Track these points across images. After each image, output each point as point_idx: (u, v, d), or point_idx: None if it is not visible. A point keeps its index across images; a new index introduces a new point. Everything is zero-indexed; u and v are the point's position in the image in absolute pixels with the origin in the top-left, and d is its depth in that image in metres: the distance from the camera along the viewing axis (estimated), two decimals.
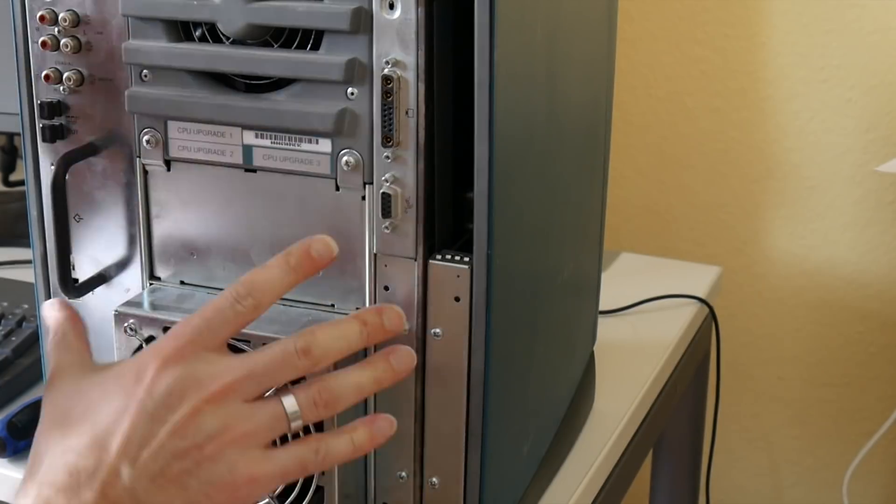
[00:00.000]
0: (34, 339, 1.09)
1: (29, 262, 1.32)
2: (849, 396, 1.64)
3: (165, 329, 0.75)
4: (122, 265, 0.82)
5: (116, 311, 0.76)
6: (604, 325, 1.17)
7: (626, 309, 1.28)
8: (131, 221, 0.80)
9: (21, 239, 1.42)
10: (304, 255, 0.66)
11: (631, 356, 1.16)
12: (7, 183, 1.58)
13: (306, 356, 0.65)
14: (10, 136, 1.54)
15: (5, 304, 1.15)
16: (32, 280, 1.23)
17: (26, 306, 1.14)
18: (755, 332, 1.66)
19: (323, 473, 0.73)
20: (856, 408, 1.64)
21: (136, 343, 0.76)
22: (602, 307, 1.17)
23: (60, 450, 0.63)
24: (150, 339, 0.75)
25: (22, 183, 1.58)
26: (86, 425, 0.63)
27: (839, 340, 1.62)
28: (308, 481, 0.74)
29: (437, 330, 0.73)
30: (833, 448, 1.67)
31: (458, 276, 0.72)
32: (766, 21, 1.50)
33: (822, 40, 1.48)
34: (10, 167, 1.57)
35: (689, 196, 1.63)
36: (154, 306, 0.77)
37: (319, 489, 0.74)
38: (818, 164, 1.54)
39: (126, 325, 0.76)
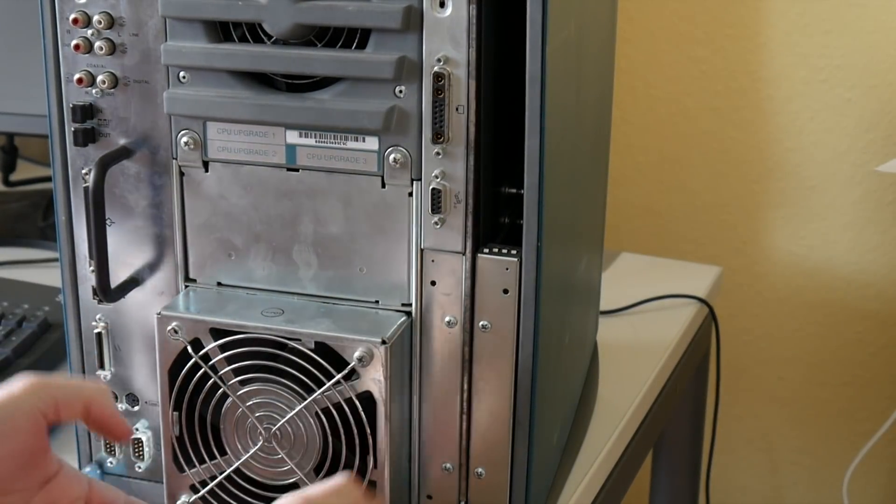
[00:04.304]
0: (34, 339, 1.10)
1: (29, 262, 1.36)
2: (849, 396, 1.66)
3: (211, 331, 0.77)
4: (154, 268, 0.83)
5: (160, 313, 0.78)
6: (604, 324, 1.19)
7: (626, 309, 1.30)
8: (164, 224, 0.82)
9: (21, 239, 1.44)
10: None
11: (631, 356, 1.18)
12: (7, 183, 1.59)
13: None
14: (11, 136, 1.55)
15: (5, 304, 1.16)
16: (33, 280, 1.26)
17: (26, 306, 1.15)
18: (755, 332, 1.68)
19: (375, 467, 0.76)
20: (856, 408, 1.66)
21: (181, 345, 0.78)
22: (602, 307, 1.19)
23: None
24: (194, 342, 0.78)
25: (22, 183, 1.60)
26: None
27: (839, 340, 1.64)
28: (361, 475, 0.77)
29: (485, 322, 0.76)
30: (833, 448, 1.70)
31: (507, 269, 0.75)
32: (766, 21, 1.53)
33: (822, 40, 1.50)
34: (11, 167, 1.58)
35: (689, 196, 1.65)
36: (196, 308, 0.79)
37: (372, 483, 0.77)
38: (818, 164, 1.56)
39: (170, 327, 0.78)
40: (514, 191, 0.81)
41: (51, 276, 1.28)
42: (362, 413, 0.75)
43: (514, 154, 0.77)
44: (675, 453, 1.48)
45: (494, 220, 0.80)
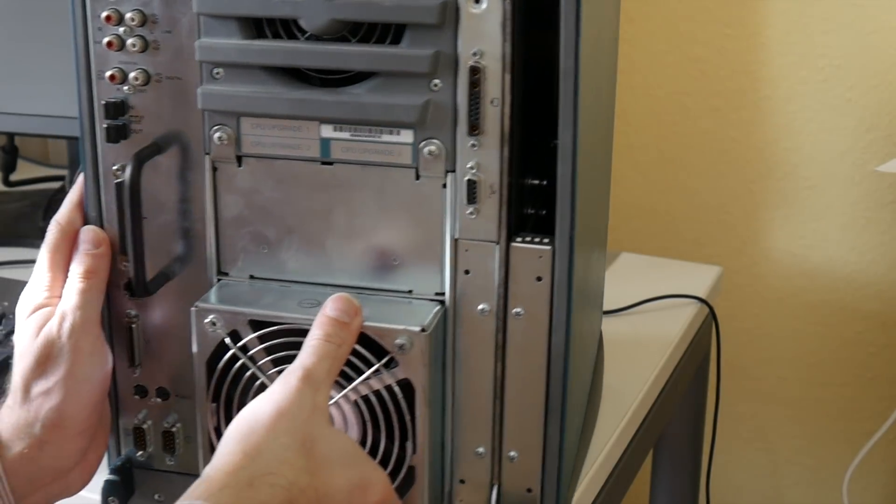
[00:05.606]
0: None
1: (29, 262, 1.35)
2: (849, 396, 1.70)
3: (251, 322, 0.81)
4: (184, 262, 0.86)
5: (196, 306, 0.81)
6: (604, 324, 1.20)
7: (626, 309, 1.33)
8: (194, 218, 0.85)
9: (21, 239, 1.47)
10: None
11: (631, 356, 1.21)
12: (7, 183, 1.61)
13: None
14: (11, 136, 1.58)
15: (6, 303, 1.18)
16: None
17: None
18: (755, 332, 1.71)
19: (414, 453, 0.80)
20: (856, 408, 1.70)
21: (219, 337, 0.81)
22: (602, 307, 1.21)
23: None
24: (232, 334, 0.81)
25: (22, 183, 1.62)
26: None
27: (839, 340, 1.68)
28: (400, 461, 0.81)
29: (519, 309, 0.80)
30: (833, 448, 1.73)
31: (541, 257, 0.78)
32: (766, 21, 1.57)
33: (822, 40, 1.54)
34: (11, 167, 1.61)
35: (689, 196, 1.69)
36: (232, 301, 0.82)
37: (411, 469, 0.81)
38: (818, 164, 1.60)
39: (207, 320, 0.81)
40: (536, 182, 0.85)
41: None
42: (402, 400, 0.79)
43: (534, 146, 0.81)
44: (675, 453, 1.51)
45: (520, 210, 0.84)
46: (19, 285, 1.25)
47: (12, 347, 1.07)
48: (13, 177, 1.63)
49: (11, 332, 1.10)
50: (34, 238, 1.44)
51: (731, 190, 1.66)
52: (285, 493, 0.68)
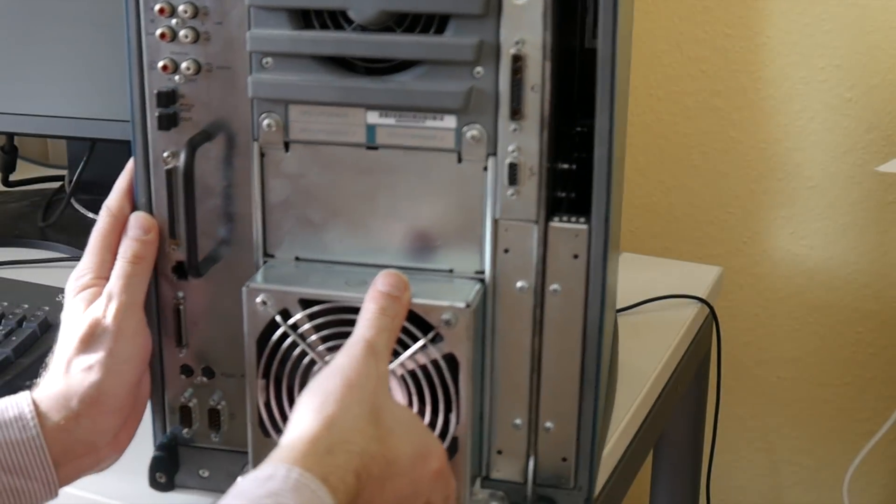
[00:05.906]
0: (34, 339, 1.18)
1: (29, 262, 1.45)
2: (849, 396, 1.77)
3: (301, 301, 0.88)
4: (233, 244, 0.93)
5: (248, 286, 0.89)
6: None
7: (626, 310, 1.38)
8: (242, 202, 0.92)
9: (21, 239, 1.53)
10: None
11: (632, 356, 1.25)
12: (7, 183, 1.67)
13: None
14: (11, 136, 1.64)
15: (5, 304, 1.24)
16: (33, 280, 1.34)
17: (26, 306, 1.23)
18: (755, 332, 1.78)
19: (458, 424, 0.88)
20: (856, 408, 1.77)
21: (270, 315, 0.88)
22: None
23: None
24: (283, 312, 0.89)
25: (22, 183, 1.69)
26: None
27: (839, 340, 1.75)
28: (444, 432, 0.88)
29: (556, 286, 0.88)
30: (833, 448, 1.80)
31: (577, 236, 0.87)
32: (766, 21, 1.64)
33: (822, 40, 1.61)
34: (11, 167, 1.67)
35: (690, 196, 1.75)
36: (282, 281, 0.90)
37: (454, 440, 0.88)
38: (818, 164, 1.67)
39: (258, 299, 0.88)
40: (566, 166, 0.93)
41: (51, 276, 1.35)
42: (446, 373, 0.87)
43: (558, 132, 0.89)
44: (675, 453, 1.58)
45: (553, 193, 0.92)
46: (19, 285, 1.33)
47: (12, 347, 1.14)
48: (13, 177, 1.68)
49: (11, 331, 1.17)
50: (34, 238, 1.51)
51: (732, 190, 1.73)
52: (359, 459, 0.75)
